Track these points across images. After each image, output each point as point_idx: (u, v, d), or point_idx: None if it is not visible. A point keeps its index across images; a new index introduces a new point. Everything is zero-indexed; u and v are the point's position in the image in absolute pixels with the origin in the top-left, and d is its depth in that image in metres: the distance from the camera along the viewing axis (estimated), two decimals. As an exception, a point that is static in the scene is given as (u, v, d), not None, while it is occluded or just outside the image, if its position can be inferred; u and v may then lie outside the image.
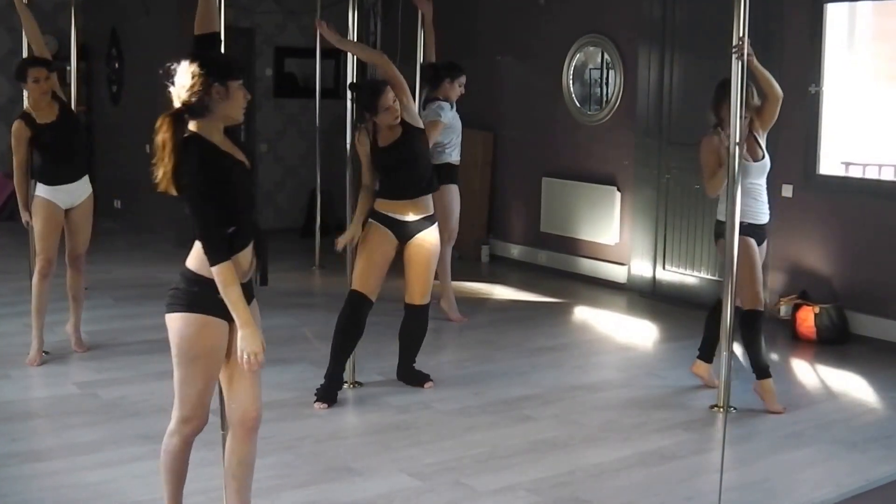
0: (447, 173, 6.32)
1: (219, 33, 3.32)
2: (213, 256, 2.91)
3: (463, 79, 6.37)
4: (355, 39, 5.11)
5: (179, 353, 3.08)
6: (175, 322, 3.06)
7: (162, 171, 2.90)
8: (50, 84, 5.20)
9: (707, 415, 4.76)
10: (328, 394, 4.79)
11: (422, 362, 5.76)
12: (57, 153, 5.28)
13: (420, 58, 6.49)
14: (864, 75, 6.56)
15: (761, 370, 4.80)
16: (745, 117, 4.58)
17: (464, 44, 8.74)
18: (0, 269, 7.61)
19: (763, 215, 4.88)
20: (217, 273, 2.91)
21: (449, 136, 6.34)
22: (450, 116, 6.30)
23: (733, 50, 4.38)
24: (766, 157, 4.88)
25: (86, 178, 5.47)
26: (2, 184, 9.90)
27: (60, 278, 7.09)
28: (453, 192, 6.40)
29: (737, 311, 4.71)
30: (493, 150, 8.72)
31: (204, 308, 3.00)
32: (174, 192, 2.91)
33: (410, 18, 6.85)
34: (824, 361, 5.74)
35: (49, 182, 5.30)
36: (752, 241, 4.79)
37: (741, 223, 4.60)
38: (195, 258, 3.01)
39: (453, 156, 6.44)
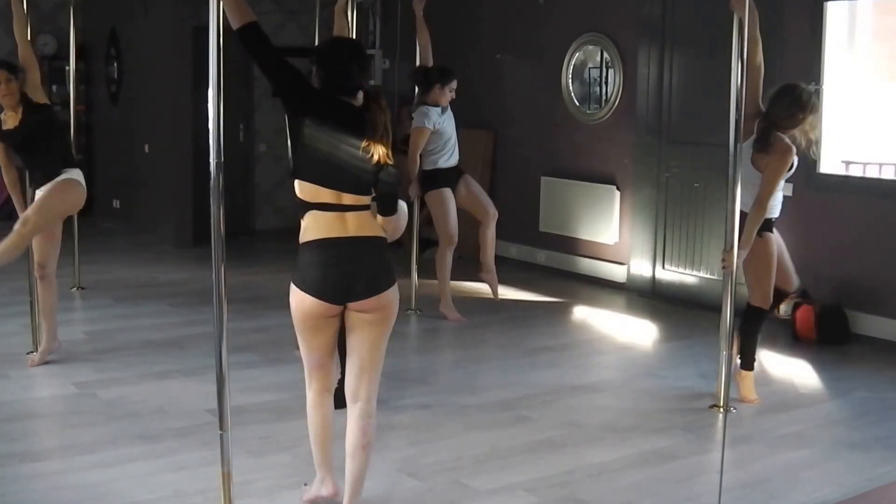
0: (439, 178, 6.32)
1: (257, 22, 3.22)
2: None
3: (454, 84, 6.27)
4: (354, 36, 5.09)
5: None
6: (397, 291, 3.35)
7: (384, 147, 3.23)
8: (13, 87, 5.12)
9: (707, 415, 4.75)
10: (336, 397, 4.73)
11: (421, 361, 5.76)
12: (24, 158, 5.27)
13: (418, 58, 6.49)
14: (864, 74, 6.55)
15: (748, 362, 4.94)
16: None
17: (463, 42, 8.73)
18: (-1, 269, 7.62)
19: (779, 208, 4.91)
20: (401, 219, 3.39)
21: (436, 142, 6.29)
22: (437, 122, 6.24)
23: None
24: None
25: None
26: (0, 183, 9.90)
27: (60, 278, 7.10)
28: (445, 197, 6.37)
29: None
30: (492, 150, 8.72)
31: None
32: (391, 162, 3.25)
33: (409, 18, 6.85)
34: (824, 361, 5.73)
35: (31, 185, 5.32)
36: (771, 238, 4.80)
37: (769, 219, 4.72)
38: (372, 223, 3.29)
39: (440, 161, 6.36)
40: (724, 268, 4.63)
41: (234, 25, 3.16)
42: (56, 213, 5.16)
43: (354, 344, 3.35)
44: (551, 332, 6.35)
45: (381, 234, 3.30)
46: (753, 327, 4.90)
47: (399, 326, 6.16)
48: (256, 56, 3.22)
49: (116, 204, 10.35)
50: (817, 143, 4.79)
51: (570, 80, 7.99)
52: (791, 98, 4.63)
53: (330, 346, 3.38)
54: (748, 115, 4.57)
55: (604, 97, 7.77)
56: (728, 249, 4.55)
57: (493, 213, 6.57)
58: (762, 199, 4.62)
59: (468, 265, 8.27)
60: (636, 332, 6.45)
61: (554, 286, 7.63)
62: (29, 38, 5.42)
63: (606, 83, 7.75)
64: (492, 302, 7.08)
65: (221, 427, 3.35)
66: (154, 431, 4.35)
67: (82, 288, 7.12)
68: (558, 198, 8.09)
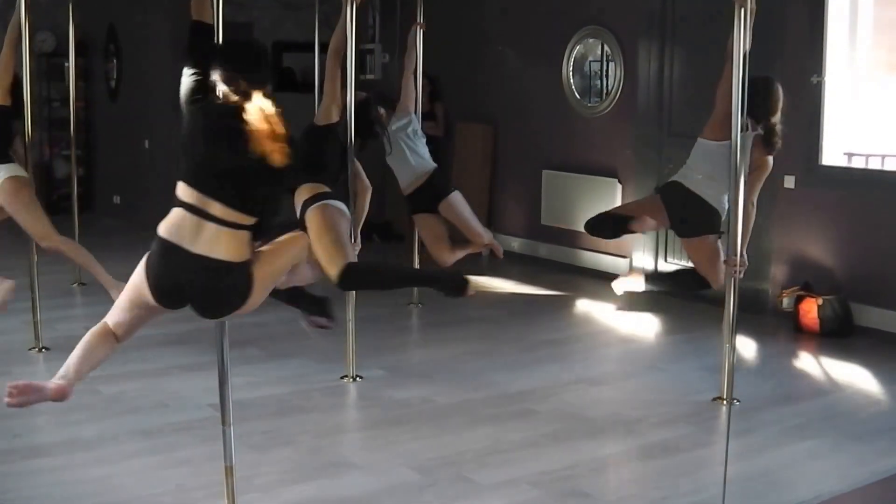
0: None
1: (212, 26, 3.32)
2: None
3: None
4: (353, 33, 5.07)
5: None
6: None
7: None
8: None
9: (710, 407, 4.74)
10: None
11: (423, 355, 5.76)
12: None
13: (419, 57, 6.42)
14: (866, 65, 6.53)
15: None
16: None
17: (463, 36, 8.72)
18: (-1, 265, 7.60)
19: None
20: None
21: None
22: None
23: None
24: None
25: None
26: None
27: (61, 274, 7.09)
28: None
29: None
30: (492, 143, 8.70)
31: None
32: None
33: (408, 13, 6.82)
34: (827, 353, 5.71)
35: None
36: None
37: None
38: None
39: None
40: (732, 273, 4.61)
41: (195, 16, 3.30)
42: None
43: None
44: (553, 326, 6.34)
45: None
46: (685, 288, 5.25)
47: (401, 321, 6.18)
48: (192, 51, 3.24)
49: (117, 200, 10.35)
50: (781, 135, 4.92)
51: (570, 74, 7.97)
52: (766, 92, 4.67)
53: None
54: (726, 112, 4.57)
55: (604, 90, 7.76)
56: (732, 254, 4.54)
57: None
58: (754, 201, 4.81)
59: (468, 259, 8.26)
60: (638, 325, 6.44)
61: (555, 279, 7.62)
62: (27, 36, 5.39)
63: (607, 76, 7.73)
64: (492, 295, 7.08)
65: (223, 422, 3.35)
66: (156, 427, 4.34)
67: (83, 284, 7.11)
68: (559, 191, 8.07)
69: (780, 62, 6.32)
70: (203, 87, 3.14)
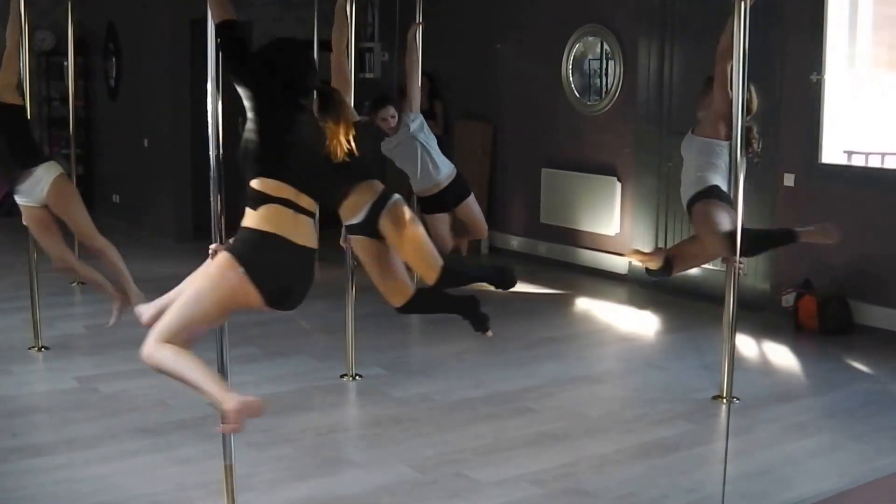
0: None
1: (235, 20, 3.26)
2: None
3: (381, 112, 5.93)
4: (353, 31, 5.06)
5: None
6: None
7: None
8: None
9: (710, 405, 4.74)
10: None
11: (423, 353, 5.76)
12: None
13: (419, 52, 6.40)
14: (866, 63, 6.53)
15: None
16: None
17: (462, 34, 8.71)
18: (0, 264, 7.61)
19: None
20: None
21: None
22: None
23: None
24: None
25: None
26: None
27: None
28: None
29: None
30: (492, 142, 8.70)
31: None
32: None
33: (408, 10, 6.81)
34: (828, 352, 5.71)
35: None
36: None
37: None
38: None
39: None
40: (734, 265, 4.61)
41: (214, 20, 3.23)
42: None
43: None
44: (553, 324, 6.34)
45: None
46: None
47: (400, 319, 6.17)
48: (226, 54, 3.22)
49: (116, 199, 10.34)
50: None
51: (570, 72, 7.97)
52: (749, 93, 4.69)
53: None
54: (727, 110, 4.55)
55: (604, 88, 7.75)
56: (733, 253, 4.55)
57: None
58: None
59: (467, 257, 8.26)
60: (638, 323, 6.44)
61: (555, 278, 7.62)
62: (27, 34, 5.38)
63: (606, 74, 7.73)
64: (491, 294, 7.07)
65: (222, 420, 3.33)
66: (155, 425, 4.34)
67: (83, 283, 7.10)
68: (559, 189, 8.07)
69: (779, 60, 6.32)
70: (268, 91, 3.17)
